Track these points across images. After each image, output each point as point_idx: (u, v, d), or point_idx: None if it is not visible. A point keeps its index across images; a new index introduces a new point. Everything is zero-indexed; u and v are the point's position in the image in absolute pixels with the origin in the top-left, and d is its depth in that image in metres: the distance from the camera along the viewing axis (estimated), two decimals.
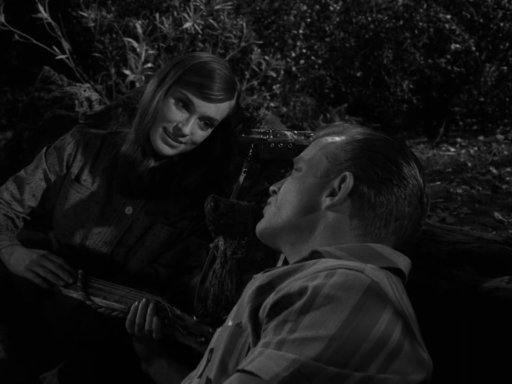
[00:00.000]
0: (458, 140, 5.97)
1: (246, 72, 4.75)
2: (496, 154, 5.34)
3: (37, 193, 1.79)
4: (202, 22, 4.20)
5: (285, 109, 5.71)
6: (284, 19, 5.86)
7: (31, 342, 1.64)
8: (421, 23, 6.10)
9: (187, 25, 3.95)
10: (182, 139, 1.63)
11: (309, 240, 1.06)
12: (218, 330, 1.01)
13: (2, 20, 3.49)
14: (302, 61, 5.95)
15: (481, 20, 6.18)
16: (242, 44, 4.42)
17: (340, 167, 1.06)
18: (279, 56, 5.11)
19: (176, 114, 1.61)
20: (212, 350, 0.98)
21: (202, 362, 1.03)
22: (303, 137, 1.55)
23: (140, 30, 4.01)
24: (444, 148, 5.78)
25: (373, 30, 6.25)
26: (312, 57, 6.04)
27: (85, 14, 4.15)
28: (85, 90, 2.50)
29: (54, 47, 3.77)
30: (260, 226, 1.16)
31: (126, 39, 4.02)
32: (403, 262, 1.01)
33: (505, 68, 6.17)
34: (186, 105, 1.61)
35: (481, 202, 4.23)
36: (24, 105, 2.58)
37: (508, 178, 4.68)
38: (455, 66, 6.30)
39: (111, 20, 4.49)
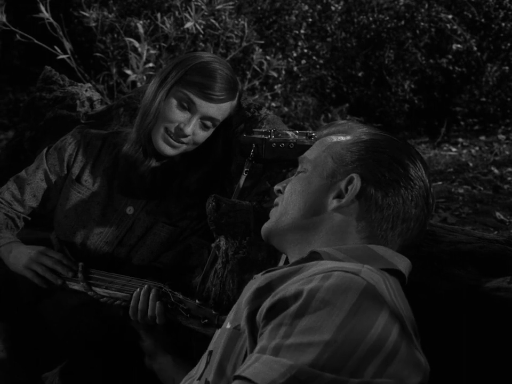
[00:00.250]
0: (460, 139, 5.97)
1: (248, 72, 4.75)
2: (497, 154, 5.34)
3: (38, 193, 1.79)
4: (203, 22, 4.20)
5: (286, 109, 5.70)
6: (285, 19, 5.86)
7: (30, 342, 1.64)
8: (422, 23, 6.09)
9: (188, 25, 3.95)
10: (183, 139, 1.63)
11: (314, 241, 1.06)
12: (217, 332, 1.01)
13: (4, 19, 3.49)
14: (303, 61, 5.95)
15: (482, 20, 6.17)
16: (244, 44, 4.42)
17: (346, 168, 1.05)
18: (280, 56, 5.11)
19: (178, 114, 1.61)
20: (210, 353, 0.98)
21: (202, 363, 1.03)
22: (304, 137, 1.55)
23: (141, 30, 4.01)
24: (445, 148, 5.77)
25: (374, 30, 6.24)
26: (314, 57, 6.04)
27: (87, 14, 4.15)
28: (86, 90, 2.50)
29: (56, 47, 3.77)
30: (266, 226, 1.15)
31: (127, 39, 4.02)
32: (403, 264, 1.00)
33: (507, 67, 6.17)
34: (188, 106, 1.61)
35: (482, 202, 4.22)
36: (26, 105, 2.58)
37: (509, 178, 4.67)
38: (457, 66, 6.29)
39: (113, 20, 4.49)
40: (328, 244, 1.03)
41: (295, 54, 5.85)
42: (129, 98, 2.27)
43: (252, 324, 0.88)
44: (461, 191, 4.47)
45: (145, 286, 1.45)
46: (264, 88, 5.60)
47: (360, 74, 6.41)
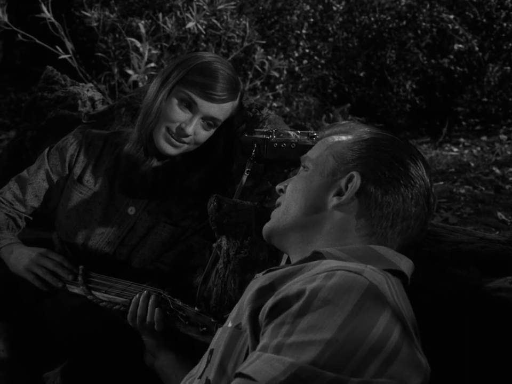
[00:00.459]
0: (461, 140, 5.96)
1: (249, 72, 4.75)
2: (499, 154, 5.33)
3: (39, 193, 1.79)
4: (205, 22, 4.20)
5: (287, 109, 5.70)
6: (287, 19, 5.86)
7: (30, 342, 1.64)
8: (424, 23, 6.09)
9: (190, 25, 3.95)
10: (185, 139, 1.63)
11: (315, 240, 1.06)
12: (219, 331, 1.01)
13: (6, 19, 3.49)
14: (305, 61, 5.95)
15: (484, 20, 6.16)
16: (245, 44, 4.42)
17: (346, 167, 1.06)
18: (282, 56, 5.12)
19: (179, 114, 1.61)
20: (212, 351, 0.98)
21: (203, 362, 1.03)
22: (306, 137, 1.55)
23: (143, 30, 4.02)
24: (446, 148, 5.77)
25: (376, 30, 6.24)
26: (315, 57, 6.04)
27: (88, 14, 4.15)
28: (88, 90, 2.50)
29: (57, 47, 3.77)
30: (267, 226, 1.16)
31: (129, 39, 4.02)
32: (405, 264, 1.00)
33: (508, 68, 6.16)
34: (190, 105, 1.61)
35: (484, 202, 4.22)
36: (27, 105, 2.58)
37: (511, 178, 4.67)
38: (458, 67, 6.29)
39: (114, 20, 4.50)
40: (329, 242, 1.04)
41: (296, 54, 5.85)
42: (130, 98, 2.28)
43: (254, 323, 0.88)
44: (462, 191, 4.46)
45: (145, 291, 1.45)
46: (266, 88, 5.60)
47: (361, 74, 6.41)
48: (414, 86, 6.24)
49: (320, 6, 6.16)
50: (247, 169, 1.58)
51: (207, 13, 4.00)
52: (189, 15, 3.99)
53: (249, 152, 1.58)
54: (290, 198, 1.11)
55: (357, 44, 6.38)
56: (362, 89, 6.46)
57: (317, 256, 0.99)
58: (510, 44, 6.19)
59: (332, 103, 6.31)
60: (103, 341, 1.67)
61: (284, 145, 1.54)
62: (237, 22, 4.62)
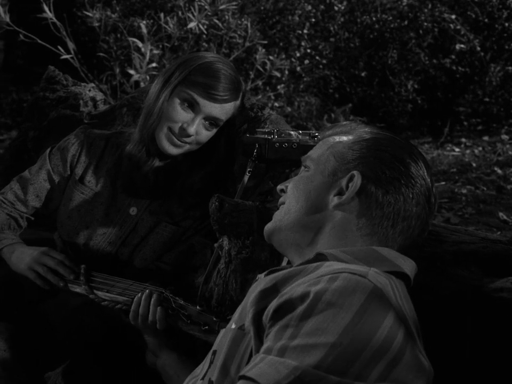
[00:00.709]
0: (463, 140, 5.96)
1: (251, 72, 4.75)
2: (500, 155, 5.33)
3: (41, 193, 1.79)
4: (206, 22, 4.20)
5: (289, 109, 5.70)
6: (289, 19, 5.85)
7: (31, 342, 1.64)
8: (425, 23, 6.08)
9: (192, 25, 3.95)
10: (187, 139, 1.63)
11: (315, 241, 1.06)
12: (222, 332, 1.01)
13: (7, 19, 3.49)
14: (306, 61, 5.95)
15: (486, 20, 6.16)
16: (247, 44, 4.42)
17: (347, 166, 1.06)
18: (283, 56, 5.12)
19: (181, 114, 1.61)
20: (215, 352, 0.98)
21: (206, 363, 1.02)
22: (307, 137, 1.55)
23: (144, 30, 4.02)
24: (448, 148, 5.76)
25: (377, 30, 6.23)
26: (317, 57, 6.04)
27: (90, 14, 4.15)
28: (89, 90, 2.50)
29: (59, 47, 3.77)
30: (269, 226, 1.16)
31: (130, 39, 4.02)
32: (408, 266, 1.00)
33: (510, 68, 6.16)
34: (192, 105, 1.61)
35: (486, 202, 4.22)
36: (29, 105, 2.58)
37: None
38: (460, 67, 6.28)
39: (116, 20, 4.50)
40: (330, 241, 1.04)
41: (298, 54, 5.85)
42: (132, 98, 2.28)
43: (258, 325, 0.88)
44: (464, 191, 4.46)
45: (147, 290, 1.45)
46: (267, 88, 5.60)
47: (363, 74, 6.41)
48: (415, 86, 6.23)
49: (322, 6, 6.15)
50: (249, 169, 1.58)
51: (209, 13, 4.00)
52: (190, 15, 3.99)
53: (250, 152, 1.58)
54: (292, 197, 1.11)
55: (359, 44, 6.38)
56: (364, 89, 6.46)
57: (320, 257, 0.99)
58: None
59: (333, 103, 6.31)
60: (104, 341, 1.67)
61: (285, 145, 1.54)
62: (239, 22, 4.62)
